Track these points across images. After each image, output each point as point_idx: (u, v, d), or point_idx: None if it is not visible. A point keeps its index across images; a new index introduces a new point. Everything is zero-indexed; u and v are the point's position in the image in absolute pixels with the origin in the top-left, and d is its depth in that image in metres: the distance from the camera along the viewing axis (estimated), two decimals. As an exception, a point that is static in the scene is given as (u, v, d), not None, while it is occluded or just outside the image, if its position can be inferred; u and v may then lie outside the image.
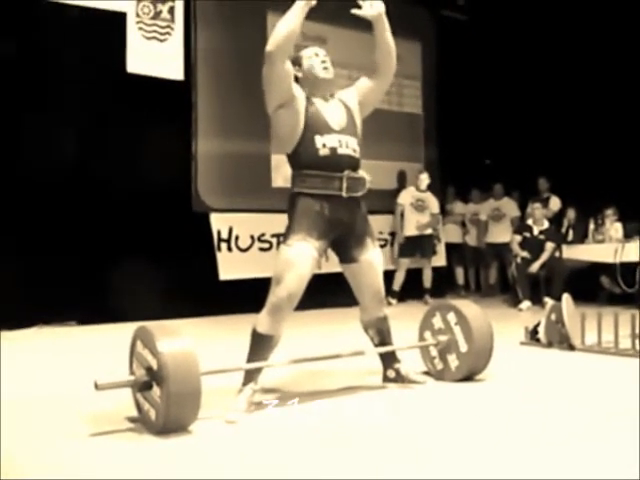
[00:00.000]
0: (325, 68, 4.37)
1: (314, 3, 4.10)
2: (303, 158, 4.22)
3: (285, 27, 4.01)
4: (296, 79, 4.29)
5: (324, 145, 4.18)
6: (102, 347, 6.49)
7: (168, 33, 8.87)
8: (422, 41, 11.85)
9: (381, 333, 4.63)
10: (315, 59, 4.38)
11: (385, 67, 4.56)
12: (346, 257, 4.43)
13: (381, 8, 4.40)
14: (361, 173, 4.34)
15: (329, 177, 4.20)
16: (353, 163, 4.30)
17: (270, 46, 4.01)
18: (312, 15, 4.15)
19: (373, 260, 4.45)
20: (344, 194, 4.22)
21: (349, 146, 4.29)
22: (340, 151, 4.23)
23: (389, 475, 2.96)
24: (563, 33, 10.92)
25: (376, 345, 4.67)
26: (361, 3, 4.38)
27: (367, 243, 4.43)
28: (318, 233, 4.15)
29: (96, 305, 8.01)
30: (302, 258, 4.08)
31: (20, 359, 6.16)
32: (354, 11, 4.37)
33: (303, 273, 4.08)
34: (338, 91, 4.53)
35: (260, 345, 4.08)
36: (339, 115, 4.35)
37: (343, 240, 4.35)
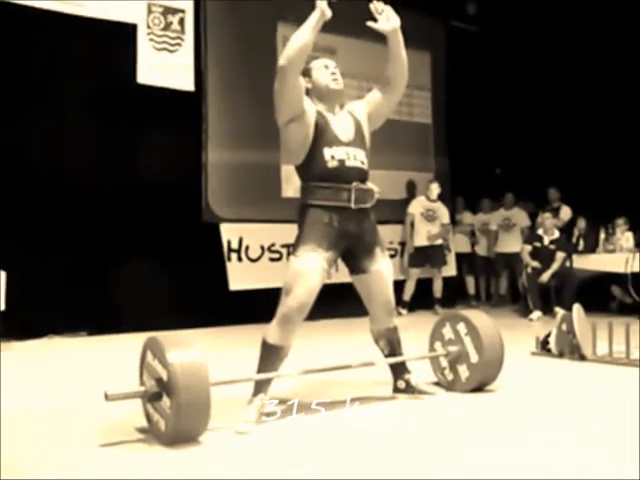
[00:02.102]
0: (335, 80, 4.37)
1: (329, 15, 4.12)
2: (312, 170, 4.23)
3: (298, 41, 4.03)
4: (306, 91, 4.29)
5: (332, 157, 4.19)
6: (112, 358, 6.50)
7: (178, 44, 8.91)
8: (432, 51, 11.86)
9: (391, 344, 4.63)
10: (325, 71, 4.39)
11: (397, 81, 4.57)
12: (356, 268, 4.43)
13: (397, 23, 4.42)
14: (369, 185, 4.34)
15: (338, 189, 4.20)
16: (361, 175, 4.31)
17: (283, 60, 4.03)
18: (322, 26, 4.16)
19: (383, 270, 4.45)
20: (353, 205, 4.22)
21: (357, 158, 4.30)
22: (348, 163, 4.24)
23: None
24: (573, 44, 10.92)
25: (386, 356, 4.66)
26: (377, 16, 4.38)
27: (377, 253, 4.42)
28: (328, 244, 4.15)
29: (106, 316, 8.02)
30: (312, 269, 4.08)
31: (30, 369, 6.18)
32: (370, 24, 4.38)
33: (313, 284, 4.08)
34: (348, 103, 4.54)
35: (270, 356, 4.08)
36: (347, 127, 4.35)
37: (353, 251, 4.34)
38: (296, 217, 4.30)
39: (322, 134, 4.21)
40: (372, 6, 4.40)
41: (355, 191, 4.22)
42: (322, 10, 4.10)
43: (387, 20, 4.40)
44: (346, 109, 4.48)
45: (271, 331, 4.09)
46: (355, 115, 4.46)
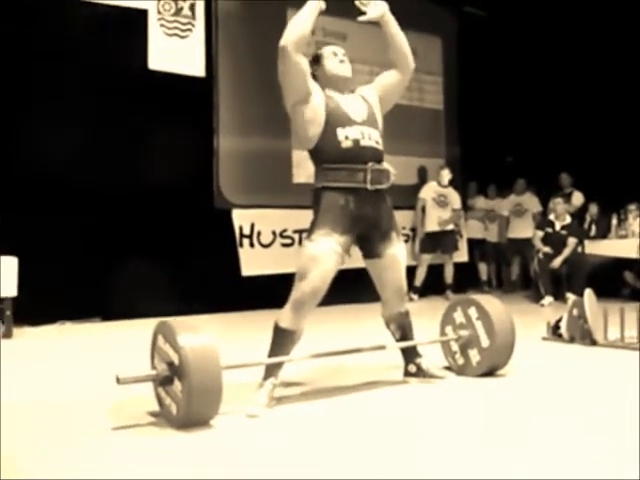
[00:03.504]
0: (343, 66, 4.37)
1: (323, 6, 4.17)
2: (326, 152, 4.20)
3: (297, 24, 4.09)
4: (314, 77, 4.29)
5: (346, 137, 4.16)
6: (124, 343, 6.53)
7: (189, 30, 8.90)
8: (443, 37, 11.83)
9: (402, 328, 4.63)
10: (333, 58, 4.38)
11: (402, 63, 4.56)
12: (371, 252, 4.41)
13: (384, 7, 4.44)
14: (385, 165, 4.32)
15: (353, 170, 4.17)
16: (377, 155, 4.28)
17: (283, 41, 4.07)
18: (332, 11, 4.17)
19: (397, 255, 4.44)
20: (369, 186, 4.19)
21: (372, 138, 4.27)
22: (363, 143, 4.21)
23: (410, 469, 2.96)
24: (584, 28, 10.86)
25: (397, 340, 4.67)
26: (364, 8, 4.40)
27: (392, 237, 4.40)
28: (343, 228, 4.12)
29: (119, 302, 8.05)
30: (326, 254, 4.06)
31: (43, 355, 6.21)
32: (360, 18, 4.43)
33: (327, 269, 4.07)
34: (358, 87, 4.54)
35: (282, 340, 4.09)
36: (359, 108, 4.34)
37: (368, 235, 4.32)
38: (311, 201, 4.28)
39: (334, 115, 4.19)
40: (357, 2, 4.43)
41: (371, 172, 4.20)
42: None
43: (375, 6, 4.42)
44: (357, 93, 4.47)
45: (284, 315, 4.09)
46: (366, 97, 4.45)
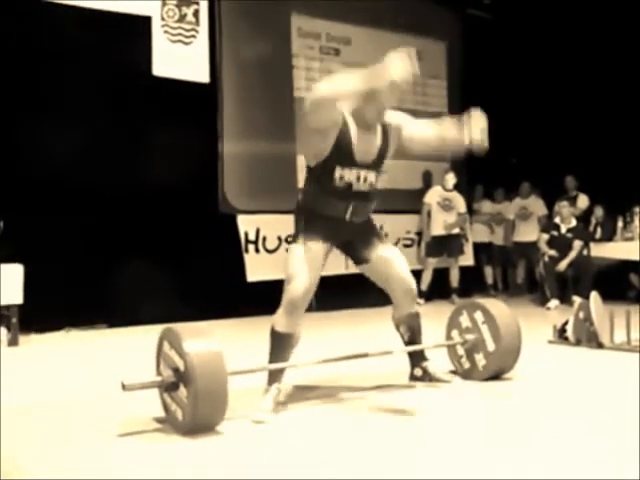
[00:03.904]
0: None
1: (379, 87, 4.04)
2: (318, 180, 4.21)
3: (340, 89, 3.97)
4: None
5: (341, 178, 4.12)
6: (129, 349, 6.53)
7: (193, 36, 8.91)
8: (447, 40, 11.82)
9: (412, 330, 4.64)
10: (387, 104, 4.26)
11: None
12: (359, 258, 4.48)
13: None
14: (370, 202, 4.36)
15: (336, 204, 4.19)
16: (365, 196, 4.28)
17: (318, 93, 3.98)
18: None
19: (386, 255, 4.45)
20: (347, 218, 4.24)
21: (367, 181, 4.25)
22: (355, 187, 4.19)
23: (416, 472, 2.96)
24: (589, 30, 10.84)
25: (406, 342, 4.67)
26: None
27: (374, 242, 4.45)
28: (324, 236, 4.19)
29: (124, 308, 8.05)
30: (312, 254, 4.12)
31: (49, 361, 6.22)
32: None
33: (315, 268, 4.11)
34: (390, 112, 4.38)
35: (280, 344, 4.11)
36: (371, 147, 4.25)
37: (351, 243, 4.39)
38: (295, 208, 4.35)
39: (339, 152, 4.11)
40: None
41: (352, 207, 4.21)
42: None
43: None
44: (386, 120, 4.33)
45: (278, 320, 4.11)
46: (388, 132, 4.34)
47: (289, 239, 9.08)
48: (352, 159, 4.15)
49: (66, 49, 7.93)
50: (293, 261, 4.15)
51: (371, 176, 4.25)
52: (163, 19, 8.69)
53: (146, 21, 8.58)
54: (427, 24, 11.27)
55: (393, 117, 4.38)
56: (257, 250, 9.39)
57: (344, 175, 4.13)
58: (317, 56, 10.26)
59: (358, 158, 4.17)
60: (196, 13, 8.96)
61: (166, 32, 8.70)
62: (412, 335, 4.65)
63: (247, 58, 9.50)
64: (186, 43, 8.86)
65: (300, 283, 4.05)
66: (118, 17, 8.24)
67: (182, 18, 8.83)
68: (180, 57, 8.77)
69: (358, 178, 4.19)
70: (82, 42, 8.04)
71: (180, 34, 8.80)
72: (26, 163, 7.67)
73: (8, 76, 7.60)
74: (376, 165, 4.28)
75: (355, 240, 4.38)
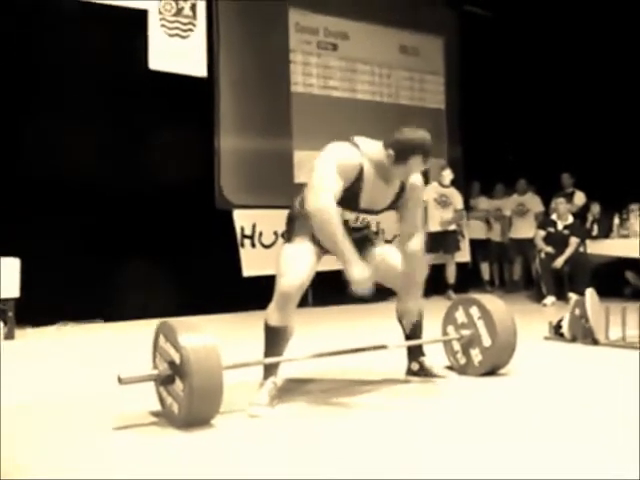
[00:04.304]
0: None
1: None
2: None
3: (326, 229, 3.93)
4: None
5: (341, 216, 4.07)
6: (125, 343, 6.54)
7: (190, 30, 8.90)
8: (445, 36, 11.83)
9: (414, 324, 4.64)
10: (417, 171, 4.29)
11: None
12: None
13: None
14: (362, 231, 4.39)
15: None
16: (358, 229, 4.34)
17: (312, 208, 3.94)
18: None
19: (383, 253, 4.47)
20: None
21: (364, 222, 4.33)
22: (351, 224, 4.24)
23: (410, 468, 2.96)
24: (586, 27, 10.85)
25: (407, 335, 4.68)
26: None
27: (367, 245, 4.45)
28: (316, 242, 4.18)
29: (120, 303, 8.05)
30: (304, 251, 4.12)
31: (45, 355, 6.23)
32: None
33: (307, 263, 4.10)
34: (415, 176, 4.35)
35: (273, 338, 4.10)
36: (383, 198, 4.28)
37: None
38: (289, 215, 4.37)
39: (346, 195, 4.05)
40: None
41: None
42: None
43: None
44: (407, 180, 4.31)
45: (271, 313, 4.09)
46: (405, 189, 4.34)
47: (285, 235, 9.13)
48: (356, 205, 4.18)
49: (62, 43, 7.94)
50: (285, 257, 4.16)
51: (370, 217, 4.34)
52: (160, 13, 8.68)
53: (143, 15, 8.56)
54: (425, 20, 11.27)
55: (415, 179, 4.38)
56: (253, 245, 9.39)
57: (344, 214, 4.14)
58: (315, 51, 10.26)
59: (363, 206, 4.21)
60: (193, 7, 8.95)
61: (163, 26, 8.69)
62: (413, 329, 4.66)
63: (244, 53, 9.50)
64: (183, 37, 8.85)
65: (291, 276, 4.04)
66: (115, 11, 8.22)
67: (179, 12, 8.82)
68: (177, 51, 8.76)
69: (357, 219, 4.27)
70: (77, 37, 8.03)
71: (177, 28, 8.78)
72: (21, 157, 7.67)
73: (2, 72, 7.59)
74: (377, 211, 4.36)
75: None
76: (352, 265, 3.87)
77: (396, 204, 4.37)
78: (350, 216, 4.21)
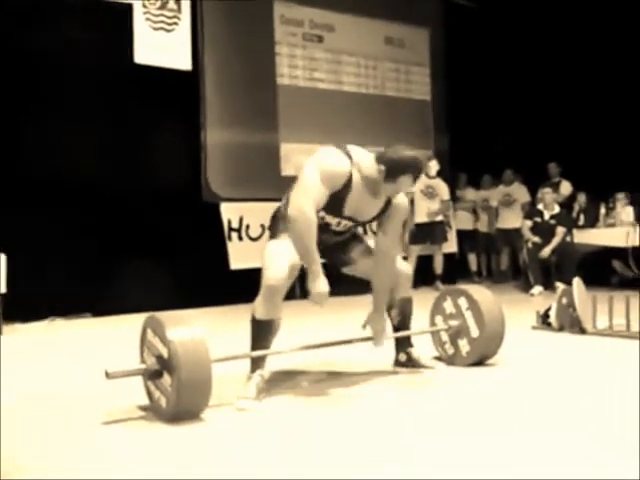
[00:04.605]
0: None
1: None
2: None
3: (300, 237, 3.95)
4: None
5: (322, 218, 4.13)
6: (113, 338, 6.51)
7: (175, 23, 8.87)
8: (430, 27, 11.80)
9: (403, 314, 4.68)
10: (405, 190, 4.29)
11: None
12: (342, 262, 4.56)
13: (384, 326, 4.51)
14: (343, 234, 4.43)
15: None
16: (339, 233, 4.38)
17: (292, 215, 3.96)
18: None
19: (372, 247, 4.49)
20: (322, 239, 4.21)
21: (347, 226, 4.34)
22: (333, 227, 4.28)
23: (400, 459, 2.97)
24: (573, 18, 10.87)
25: (395, 326, 4.70)
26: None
27: (354, 243, 4.52)
28: None
29: (108, 297, 8.04)
30: (290, 245, 4.10)
31: (33, 351, 6.21)
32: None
33: (293, 256, 4.09)
34: (401, 196, 4.36)
35: (261, 331, 4.10)
36: (369, 210, 4.29)
37: (329, 250, 4.37)
38: (271, 219, 4.46)
39: (331, 201, 4.07)
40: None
41: (325, 236, 4.22)
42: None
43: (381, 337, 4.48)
44: (393, 198, 4.32)
45: (258, 307, 4.10)
46: (390, 204, 4.33)
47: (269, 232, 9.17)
48: (340, 212, 4.18)
49: (47, 38, 7.88)
50: (270, 251, 4.20)
51: (351, 224, 4.36)
52: (145, 7, 8.65)
53: (128, 9, 8.53)
54: (410, 12, 11.26)
55: (401, 198, 4.38)
56: (240, 238, 9.39)
57: (325, 217, 4.17)
58: (300, 43, 10.24)
59: (346, 213, 4.21)
60: (178, 1, 8.92)
61: (148, 19, 8.66)
62: (402, 319, 4.68)
63: (229, 45, 9.48)
64: (168, 31, 8.82)
65: (277, 270, 4.05)
66: (99, 5, 8.17)
67: (164, 5, 8.79)
68: (162, 45, 8.73)
69: (338, 223, 4.28)
70: (61, 32, 7.99)
71: (162, 21, 8.75)
72: (9, 155, 7.65)
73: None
74: (363, 223, 4.47)
75: (334, 245, 4.41)
76: (316, 278, 3.97)
77: (380, 218, 4.37)
78: (332, 221, 4.23)
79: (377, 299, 4.46)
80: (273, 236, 4.32)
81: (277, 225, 4.32)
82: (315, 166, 4.01)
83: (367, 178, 4.12)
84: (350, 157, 4.11)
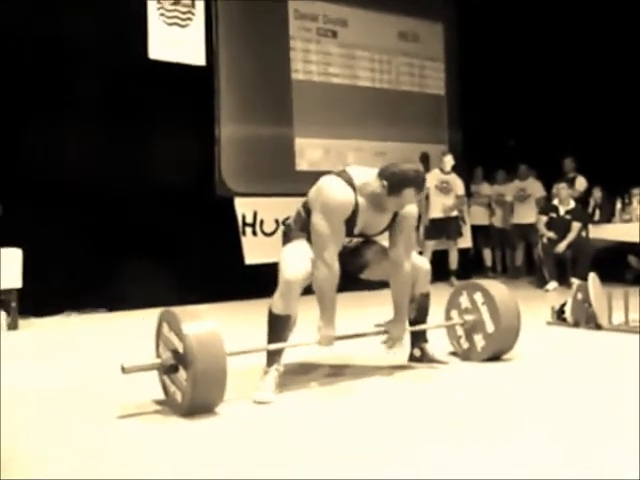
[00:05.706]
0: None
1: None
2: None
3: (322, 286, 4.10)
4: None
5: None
6: (129, 333, 6.53)
7: (189, 18, 8.87)
8: (444, 22, 11.77)
9: (420, 309, 4.68)
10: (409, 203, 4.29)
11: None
12: (356, 268, 4.57)
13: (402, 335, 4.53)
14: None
15: None
16: (351, 248, 4.44)
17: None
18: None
19: (385, 247, 4.50)
20: None
21: (353, 242, 4.42)
22: (344, 244, 4.30)
23: (415, 454, 2.96)
24: (587, 12, 10.80)
25: (411, 320, 4.68)
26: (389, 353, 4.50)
27: (365, 248, 4.53)
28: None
29: (123, 292, 8.04)
30: (306, 248, 4.19)
31: (48, 345, 6.23)
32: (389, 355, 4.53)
33: (310, 257, 4.13)
34: (408, 207, 4.35)
35: (278, 326, 4.13)
36: (377, 225, 4.35)
37: (341, 259, 4.29)
38: (283, 233, 4.57)
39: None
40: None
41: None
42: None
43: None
44: (400, 210, 4.32)
45: (275, 302, 4.12)
46: (398, 215, 4.35)
47: (285, 222, 9.16)
48: (351, 232, 4.27)
49: (61, 34, 7.88)
50: (287, 252, 4.27)
51: (362, 239, 4.45)
52: (159, 2, 8.66)
53: (142, 4, 8.54)
54: (424, 6, 11.25)
55: (409, 209, 4.37)
56: (254, 233, 9.39)
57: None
58: (314, 38, 10.24)
59: (357, 232, 4.30)
60: (192, -4, 8.94)
61: (162, 15, 8.67)
62: (419, 314, 4.69)
63: (244, 41, 9.47)
64: (182, 26, 8.83)
65: (295, 266, 4.09)
66: (113, 2, 8.18)
67: (178, 1, 8.79)
68: (176, 40, 8.74)
69: (350, 241, 4.37)
70: (77, 26, 7.98)
71: (176, 17, 8.76)
72: (24, 148, 7.67)
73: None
74: (373, 236, 4.47)
75: (347, 252, 4.40)
76: (326, 325, 4.14)
77: (389, 229, 4.40)
78: (345, 240, 4.28)
79: (396, 308, 4.47)
80: (287, 242, 4.39)
81: (289, 236, 4.41)
82: (322, 209, 4.08)
83: (371, 197, 4.17)
84: (352, 185, 4.15)
